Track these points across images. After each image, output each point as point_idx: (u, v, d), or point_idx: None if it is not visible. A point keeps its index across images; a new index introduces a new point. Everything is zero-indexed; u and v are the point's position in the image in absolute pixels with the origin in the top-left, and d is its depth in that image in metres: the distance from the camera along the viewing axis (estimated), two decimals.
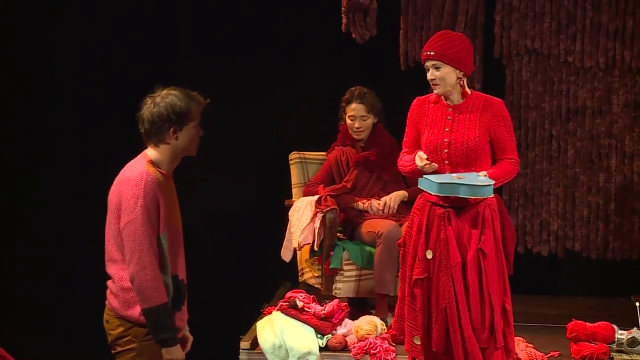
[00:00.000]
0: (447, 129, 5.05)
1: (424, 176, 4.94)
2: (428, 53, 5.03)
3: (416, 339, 5.07)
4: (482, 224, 5.00)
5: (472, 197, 4.90)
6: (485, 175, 4.92)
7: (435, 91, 5.08)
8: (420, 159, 5.01)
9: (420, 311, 5.04)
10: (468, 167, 5.01)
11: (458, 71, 5.02)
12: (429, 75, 5.05)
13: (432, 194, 4.92)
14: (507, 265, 5.08)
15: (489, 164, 5.07)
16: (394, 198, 6.23)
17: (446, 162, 5.03)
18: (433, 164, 5.00)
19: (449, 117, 5.07)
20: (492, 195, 4.93)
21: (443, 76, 5.02)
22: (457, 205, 5.01)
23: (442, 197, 5.00)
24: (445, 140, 5.03)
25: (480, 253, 4.96)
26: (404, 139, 5.22)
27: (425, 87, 5.19)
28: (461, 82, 5.05)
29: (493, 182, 4.90)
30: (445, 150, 5.03)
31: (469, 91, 5.10)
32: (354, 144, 6.50)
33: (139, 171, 4.13)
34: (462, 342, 4.95)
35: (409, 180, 6.20)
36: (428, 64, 5.04)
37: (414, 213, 5.15)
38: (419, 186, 4.99)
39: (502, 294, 5.01)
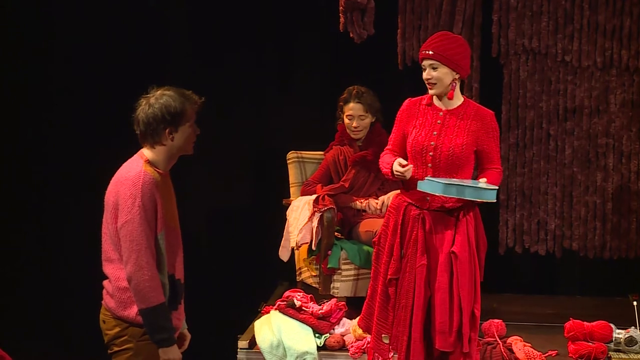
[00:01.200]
0: (435, 133, 5.04)
1: (427, 178, 4.91)
2: (426, 52, 5.02)
3: (385, 338, 5.08)
4: (455, 228, 5.00)
5: (478, 200, 4.88)
6: (485, 182, 4.91)
7: (430, 91, 5.08)
8: (400, 164, 4.99)
9: (392, 310, 5.05)
10: (450, 173, 5.00)
11: (454, 73, 5.02)
12: (425, 75, 5.04)
13: (437, 195, 4.91)
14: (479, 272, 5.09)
15: (470, 173, 5.07)
16: (391, 197, 6.22)
17: (429, 165, 5.02)
18: (410, 166, 4.98)
19: (439, 121, 5.07)
20: (494, 200, 4.90)
21: (440, 77, 5.01)
22: (435, 209, 5.01)
23: (419, 200, 5.01)
24: (432, 143, 5.02)
25: (453, 256, 4.96)
26: (390, 137, 5.21)
27: (422, 87, 5.18)
28: (454, 85, 5.05)
29: (497, 187, 4.89)
30: (431, 154, 5.02)
31: (460, 95, 5.10)
32: (352, 143, 6.50)
33: (136, 171, 4.13)
34: (408, 342, 4.95)
35: None
36: (425, 63, 5.04)
37: (390, 212, 5.16)
38: (418, 189, 4.95)
39: (472, 299, 5.00)
